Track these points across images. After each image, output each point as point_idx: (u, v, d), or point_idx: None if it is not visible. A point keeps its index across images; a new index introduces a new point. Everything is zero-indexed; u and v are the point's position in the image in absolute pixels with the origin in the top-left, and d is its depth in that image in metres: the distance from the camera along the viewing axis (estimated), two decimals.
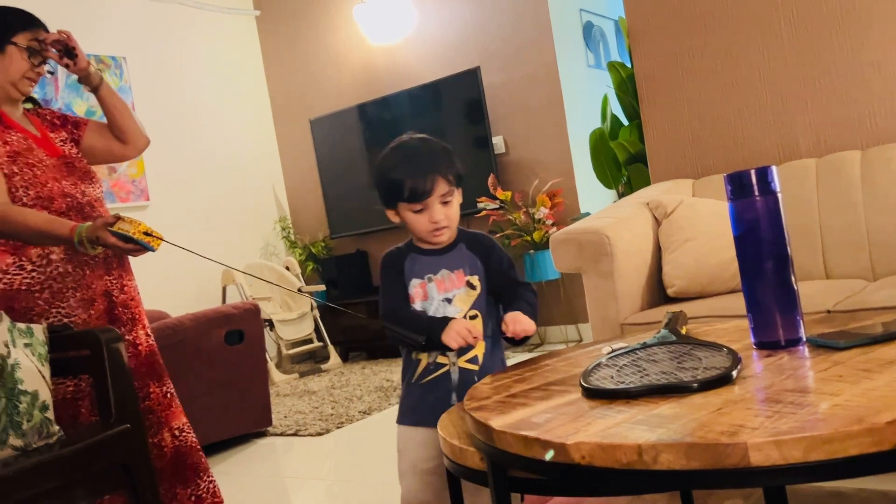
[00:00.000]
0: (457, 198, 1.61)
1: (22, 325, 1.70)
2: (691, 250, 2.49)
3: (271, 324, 5.07)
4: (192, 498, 2.05)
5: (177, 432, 2.06)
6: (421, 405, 1.59)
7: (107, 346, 1.73)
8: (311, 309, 5.25)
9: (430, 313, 1.58)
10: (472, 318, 1.59)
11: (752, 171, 1.24)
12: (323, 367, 5.12)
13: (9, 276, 1.89)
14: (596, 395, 1.13)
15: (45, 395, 1.67)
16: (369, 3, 5.27)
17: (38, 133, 2.06)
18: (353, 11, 5.35)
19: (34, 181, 1.93)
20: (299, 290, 5.22)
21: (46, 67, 2.07)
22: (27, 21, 2.03)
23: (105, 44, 4.86)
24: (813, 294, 2.19)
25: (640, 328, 2.29)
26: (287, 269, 5.42)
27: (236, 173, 5.63)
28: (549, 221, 4.50)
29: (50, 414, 1.68)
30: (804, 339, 1.25)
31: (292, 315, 5.18)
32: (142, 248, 1.83)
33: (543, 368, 1.42)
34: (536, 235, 4.50)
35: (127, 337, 2.00)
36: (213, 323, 3.30)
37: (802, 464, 0.83)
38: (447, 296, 1.59)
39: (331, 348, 5.24)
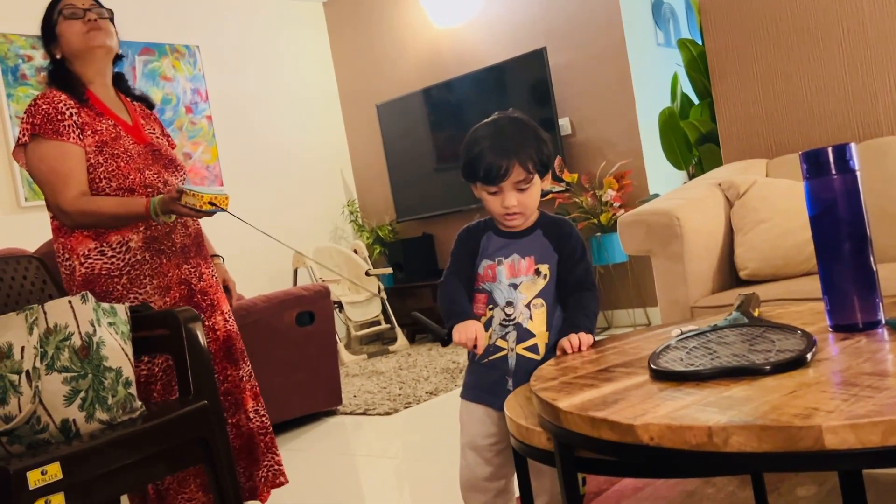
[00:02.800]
0: (536, 185, 1.58)
1: (106, 305, 1.78)
2: (765, 232, 2.42)
3: (340, 305, 5.16)
4: (261, 478, 2.11)
5: (252, 414, 2.12)
6: (480, 383, 1.61)
7: (185, 326, 1.80)
8: (379, 291, 5.32)
9: (496, 296, 1.58)
10: (536, 306, 1.57)
11: (830, 149, 1.21)
12: (390, 348, 5.19)
13: (90, 261, 1.97)
14: (664, 377, 1.12)
15: (128, 372, 1.75)
16: None
17: (129, 119, 2.11)
18: None
19: (117, 172, 1.98)
20: (367, 272, 5.29)
21: (116, 49, 2.10)
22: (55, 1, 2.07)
23: (180, 33, 4.99)
24: (892, 276, 2.12)
25: (711, 311, 2.25)
26: (355, 252, 5.49)
27: (306, 158, 5.73)
28: (617, 204, 4.44)
29: (133, 390, 1.75)
30: (883, 321, 1.21)
31: (360, 297, 5.26)
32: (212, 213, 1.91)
33: (610, 351, 1.41)
34: (604, 218, 4.44)
35: (207, 322, 2.06)
36: (285, 304, 3.38)
37: (881, 448, 0.81)
38: (514, 281, 1.58)
39: (398, 330, 5.31)
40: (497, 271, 1.59)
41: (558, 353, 1.48)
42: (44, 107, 1.96)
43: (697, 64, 4.34)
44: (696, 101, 4.56)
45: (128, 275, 1.99)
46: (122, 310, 1.83)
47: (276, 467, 2.16)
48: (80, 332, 1.67)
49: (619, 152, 4.63)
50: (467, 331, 1.50)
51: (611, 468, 1.11)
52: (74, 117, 1.97)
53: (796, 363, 1.06)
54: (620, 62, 4.58)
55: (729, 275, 2.52)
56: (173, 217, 1.97)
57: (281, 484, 2.17)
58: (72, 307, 1.68)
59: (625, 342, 1.48)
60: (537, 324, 1.57)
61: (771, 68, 2.97)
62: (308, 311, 3.46)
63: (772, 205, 2.47)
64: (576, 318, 1.54)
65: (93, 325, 1.70)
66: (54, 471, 1.45)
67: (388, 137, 5.64)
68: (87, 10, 2.04)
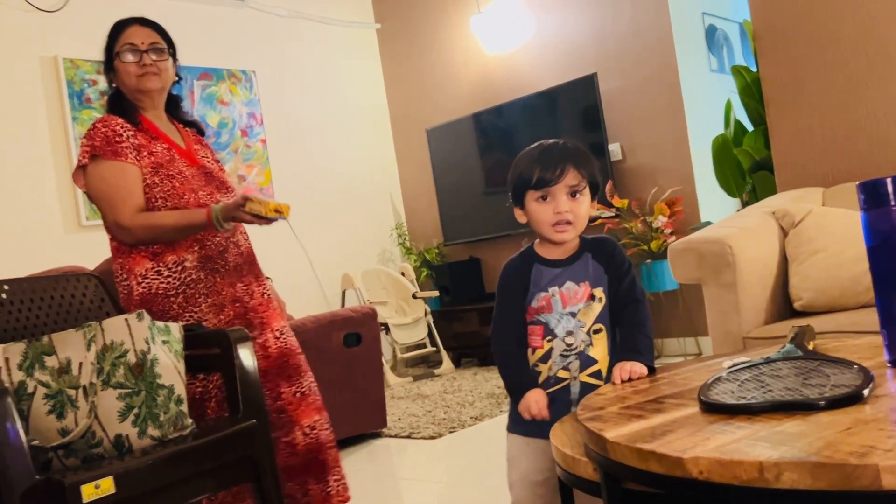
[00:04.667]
0: (587, 198, 1.55)
1: (160, 324, 1.82)
2: (821, 262, 2.37)
3: (387, 328, 5.18)
4: (322, 493, 2.10)
5: (308, 430, 2.10)
6: (536, 420, 1.52)
7: (235, 345, 1.83)
8: (425, 314, 5.33)
9: (553, 327, 1.54)
10: (597, 332, 1.54)
11: (889, 180, 1.18)
12: (436, 371, 5.19)
13: (147, 281, 2.01)
14: (715, 409, 1.10)
15: (180, 390, 1.78)
16: (486, 13, 5.32)
17: (182, 143, 2.18)
18: (471, 22, 5.41)
19: (172, 192, 2.04)
20: (414, 295, 5.31)
21: (171, 69, 2.15)
22: (118, 28, 2.13)
23: (237, 58, 5.13)
24: None
25: (764, 343, 2.20)
26: (402, 274, 5.52)
27: (356, 181, 5.80)
28: (668, 230, 4.39)
29: (184, 407, 1.79)
30: None
31: (407, 320, 5.28)
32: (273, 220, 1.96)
33: (660, 381, 1.40)
34: (654, 245, 4.39)
35: (257, 340, 2.07)
36: (333, 325, 3.41)
37: None
38: (571, 310, 1.55)
39: (443, 353, 5.31)
40: (552, 302, 1.56)
41: (612, 376, 1.46)
42: (102, 130, 2.04)
43: (751, 90, 4.28)
44: (749, 128, 4.50)
45: (183, 294, 2.03)
46: (175, 328, 1.87)
47: (343, 481, 2.15)
48: (135, 350, 1.71)
49: (670, 178, 4.58)
50: (538, 404, 1.48)
51: (658, 502, 1.09)
52: (131, 139, 2.04)
53: (852, 399, 1.03)
54: (673, 88, 4.55)
55: (783, 305, 2.47)
56: (232, 225, 2.01)
57: (347, 499, 2.15)
58: (128, 325, 1.73)
59: (675, 372, 1.46)
60: (599, 349, 1.54)
61: (828, 95, 2.92)
62: (355, 333, 3.49)
63: (828, 234, 2.41)
64: (634, 340, 1.50)
65: (147, 342, 1.75)
66: (107, 485, 1.48)
67: (438, 161, 5.69)
68: (144, 53, 2.08)
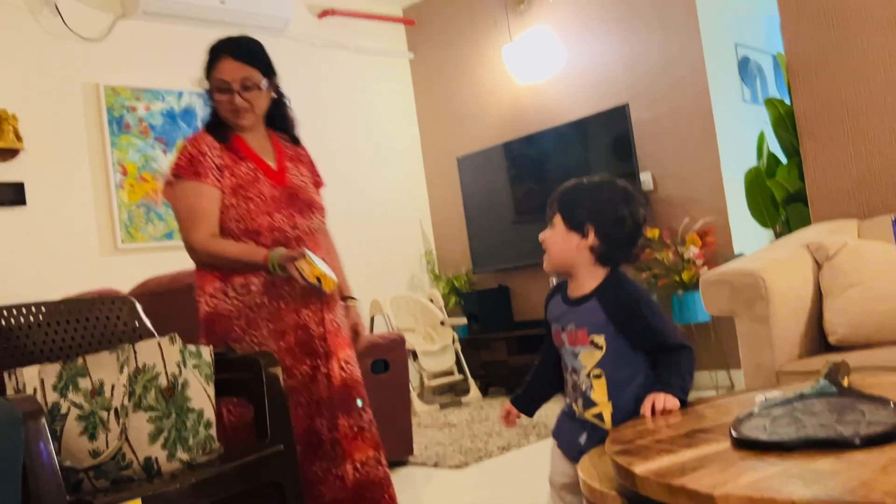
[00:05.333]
0: (558, 228, 1.64)
1: (192, 347, 1.84)
2: (856, 296, 2.33)
3: (415, 354, 5.18)
4: None
5: (359, 465, 2.05)
6: (561, 426, 1.71)
7: (265, 371, 1.84)
8: (453, 342, 5.32)
9: (565, 360, 1.66)
10: (597, 376, 1.57)
11: None
12: (463, 399, 5.17)
13: (215, 301, 2.03)
14: (747, 445, 1.08)
15: (210, 414, 1.80)
16: (518, 43, 5.36)
17: (273, 162, 2.16)
18: (502, 52, 5.45)
19: (246, 214, 2.05)
20: (442, 322, 5.31)
21: (265, 98, 2.13)
22: (213, 56, 2.12)
23: None
24: None
25: (797, 377, 2.17)
26: (431, 301, 5.53)
27: (387, 208, 5.84)
28: (700, 261, 4.35)
29: (213, 431, 1.80)
30: None
31: (435, 347, 5.28)
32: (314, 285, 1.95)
33: (690, 415, 1.38)
34: (686, 276, 4.35)
35: (321, 370, 2.04)
36: (361, 352, 3.41)
37: None
38: (575, 350, 1.61)
39: (471, 381, 5.28)
40: (563, 337, 1.64)
41: (641, 413, 1.46)
42: (189, 149, 2.08)
43: (785, 122, 4.25)
44: (783, 159, 4.46)
45: (246, 317, 2.02)
46: (206, 352, 1.89)
47: None
48: (166, 373, 1.74)
49: (702, 209, 4.55)
50: (506, 415, 1.75)
51: None
52: (216, 160, 2.07)
53: (888, 437, 1.01)
54: (705, 119, 4.54)
55: (817, 340, 2.43)
56: (287, 272, 1.97)
57: None
58: (160, 348, 1.75)
59: (706, 406, 1.44)
60: (598, 393, 1.56)
61: (862, 127, 2.89)
62: (383, 360, 3.49)
63: (864, 268, 2.38)
64: (666, 375, 1.53)
65: (179, 366, 1.77)
66: None
67: (468, 189, 5.71)
68: (235, 92, 2.07)
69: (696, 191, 4.61)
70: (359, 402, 2.10)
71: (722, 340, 4.39)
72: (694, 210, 4.58)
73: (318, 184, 2.29)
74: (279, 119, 2.25)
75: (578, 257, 1.60)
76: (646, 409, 1.44)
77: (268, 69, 2.17)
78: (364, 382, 2.18)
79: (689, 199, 4.63)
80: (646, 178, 4.77)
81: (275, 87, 2.21)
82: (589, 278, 1.61)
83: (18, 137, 4.08)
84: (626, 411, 1.52)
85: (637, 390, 1.55)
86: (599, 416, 1.56)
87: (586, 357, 1.58)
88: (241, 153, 2.12)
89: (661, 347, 1.55)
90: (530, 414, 1.76)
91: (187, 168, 2.06)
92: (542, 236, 1.66)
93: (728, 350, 4.35)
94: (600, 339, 1.56)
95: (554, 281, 1.78)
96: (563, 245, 1.61)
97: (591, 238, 1.59)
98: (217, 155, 2.08)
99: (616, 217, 1.60)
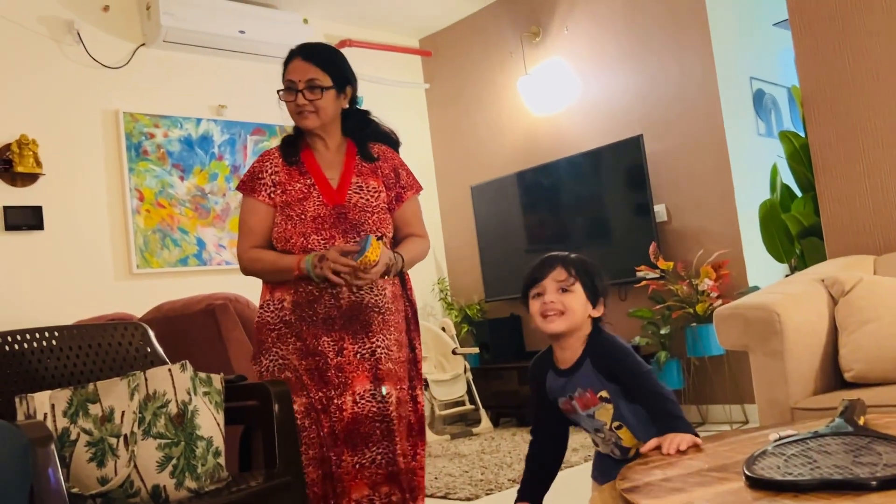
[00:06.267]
0: (579, 294, 1.67)
1: (203, 375, 1.84)
2: (872, 332, 2.30)
3: (426, 383, 5.16)
4: None
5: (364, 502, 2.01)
6: (602, 468, 1.76)
7: (276, 399, 1.84)
8: (465, 371, 5.30)
9: (584, 425, 1.73)
10: (618, 428, 1.66)
11: None
12: (474, 430, 5.13)
13: (262, 311, 2.12)
14: (760, 485, 1.07)
15: (219, 442, 1.79)
16: (533, 74, 5.40)
17: (336, 178, 2.13)
18: (517, 84, 5.49)
19: (282, 234, 2.09)
20: (454, 351, 5.29)
21: (332, 104, 2.12)
22: (285, 63, 2.15)
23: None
24: None
25: (812, 414, 2.14)
26: (443, 329, 5.51)
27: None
28: (714, 294, 4.32)
29: (221, 460, 1.79)
30: None
31: (446, 376, 5.25)
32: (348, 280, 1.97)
33: (703, 452, 1.36)
34: (700, 308, 4.32)
35: (335, 401, 2.01)
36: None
37: None
38: (589, 412, 1.68)
39: (482, 412, 5.25)
40: (573, 405, 1.70)
41: (648, 449, 1.47)
42: (253, 165, 2.18)
43: (800, 156, 4.24)
44: (798, 193, 4.45)
45: (278, 331, 2.08)
46: (217, 379, 1.89)
47: None
48: (176, 400, 1.73)
49: (716, 241, 4.53)
50: None
51: None
52: (274, 176, 2.13)
53: None
54: (719, 151, 4.54)
55: (833, 376, 2.40)
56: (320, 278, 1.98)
57: None
58: (171, 375, 1.75)
59: (718, 444, 1.42)
60: (628, 440, 1.67)
61: (878, 162, 2.88)
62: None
63: (880, 304, 2.35)
64: (667, 409, 1.57)
65: (189, 393, 1.77)
66: None
67: (481, 218, 5.72)
68: (299, 92, 2.09)
69: (710, 223, 4.60)
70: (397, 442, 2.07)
71: (736, 374, 4.35)
72: (708, 242, 4.56)
73: (400, 197, 2.23)
74: (361, 131, 2.23)
75: (584, 325, 1.69)
76: (671, 450, 1.40)
77: (339, 74, 2.15)
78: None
79: (704, 231, 4.62)
80: (660, 209, 4.76)
81: (350, 95, 2.20)
82: (579, 343, 1.69)
83: (38, 162, 4.14)
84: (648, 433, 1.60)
85: (647, 423, 1.63)
86: (636, 456, 1.61)
87: (602, 414, 1.67)
88: (305, 168, 2.14)
89: (650, 394, 1.62)
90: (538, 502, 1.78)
91: (247, 183, 2.16)
92: (556, 298, 1.66)
93: (742, 384, 4.30)
94: (606, 393, 1.66)
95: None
96: (582, 312, 1.67)
97: (601, 310, 1.70)
98: (276, 171, 2.14)
99: (601, 277, 1.72)
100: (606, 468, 1.73)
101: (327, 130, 2.17)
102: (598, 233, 5.05)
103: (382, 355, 2.07)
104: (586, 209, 5.10)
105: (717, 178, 4.55)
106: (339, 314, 2.05)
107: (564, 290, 1.65)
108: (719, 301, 4.21)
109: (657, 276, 4.46)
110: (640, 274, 4.51)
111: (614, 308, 4.87)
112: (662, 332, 4.46)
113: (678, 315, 4.40)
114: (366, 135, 2.24)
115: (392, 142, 2.30)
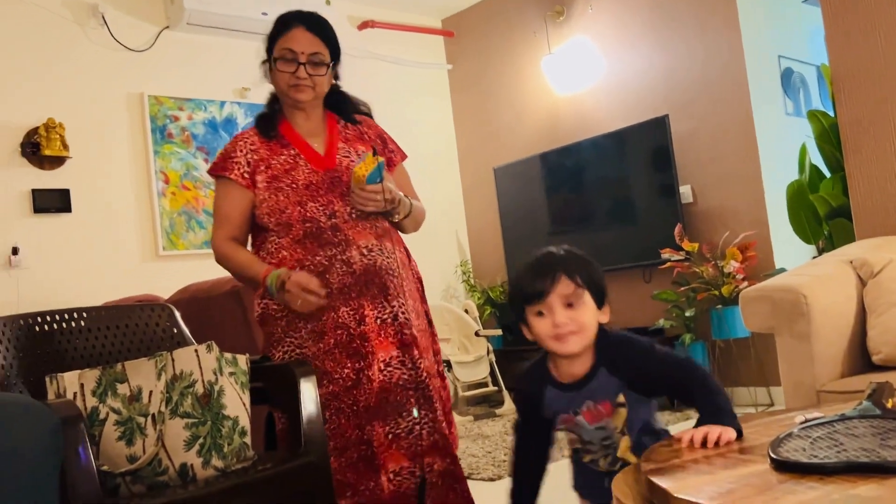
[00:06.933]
0: (589, 305, 1.45)
1: (228, 355, 1.86)
2: None
3: (449, 365, 5.17)
4: None
5: (392, 475, 1.92)
6: (584, 480, 1.62)
7: (300, 380, 1.85)
8: (488, 353, 5.31)
9: (586, 438, 1.53)
10: (623, 433, 1.51)
11: None
12: (497, 411, 5.14)
13: (264, 301, 2.00)
14: (786, 467, 1.06)
15: (245, 422, 1.81)
16: (557, 54, 5.35)
17: (321, 145, 2.06)
18: (541, 63, 5.44)
19: (276, 207, 1.97)
20: (476, 333, 5.30)
21: (328, 80, 2.05)
22: (282, 25, 2.02)
23: None
24: None
25: (839, 397, 2.12)
26: (466, 311, 5.52)
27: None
28: (740, 276, 4.28)
29: (247, 439, 1.81)
30: None
31: (469, 358, 5.26)
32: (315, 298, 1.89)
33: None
34: (725, 290, 4.29)
35: (366, 372, 1.93)
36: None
37: None
38: (600, 425, 1.50)
39: (505, 393, 5.26)
40: (577, 420, 1.51)
41: (689, 442, 1.31)
42: (226, 146, 2.08)
43: (829, 136, 4.18)
44: (826, 173, 4.38)
45: (286, 317, 1.97)
46: (242, 360, 1.91)
47: None
48: (203, 380, 1.75)
49: (743, 223, 4.48)
50: None
51: None
52: (249, 155, 2.02)
53: None
54: (747, 131, 4.47)
55: (860, 358, 2.37)
56: (283, 298, 1.90)
57: None
58: (197, 356, 1.77)
59: (744, 425, 1.41)
60: (623, 447, 1.51)
61: None
62: None
63: None
64: (716, 404, 1.36)
65: (215, 373, 1.78)
66: None
67: (504, 200, 5.70)
68: (301, 65, 1.99)
69: (736, 204, 4.54)
70: (414, 413, 1.96)
71: (762, 356, 4.32)
72: (734, 224, 4.51)
73: (391, 161, 2.15)
74: (338, 101, 2.16)
75: (594, 323, 1.48)
76: (709, 441, 1.28)
77: (336, 51, 2.09)
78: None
79: (730, 212, 4.57)
80: (685, 190, 4.72)
81: (336, 72, 2.14)
82: (587, 354, 1.48)
83: (65, 145, 4.18)
84: (638, 444, 1.49)
85: (643, 420, 1.52)
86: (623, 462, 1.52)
87: (617, 420, 1.49)
88: (286, 140, 2.04)
89: (685, 379, 1.45)
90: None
91: (219, 164, 2.05)
92: (567, 317, 1.43)
93: (767, 367, 4.27)
94: (622, 398, 1.48)
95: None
96: (594, 324, 1.47)
97: (608, 314, 1.50)
98: (252, 150, 2.03)
99: (601, 275, 1.50)
100: (591, 480, 1.57)
101: (311, 103, 2.08)
102: (623, 214, 5.01)
103: (405, 320, 2.00)
104: (610, 190, 5.06)
105: (744, 158, 4.49)
106: (353, 280, 1.96)
107: (572, 305, 1.43)
108: (745, 283, 4.17)
109: (682, 258, 4.42)
110: (664, 256, 4.47)
111: (638, 290, 4.86)
112: (687, 314, 4.43)
113: (703, 297, 4.37)
114: (345, 105, 2.17)
115: (367, 114, 2.24)
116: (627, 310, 4.95)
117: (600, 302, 1.47)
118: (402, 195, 2.09)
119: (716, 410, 1.34)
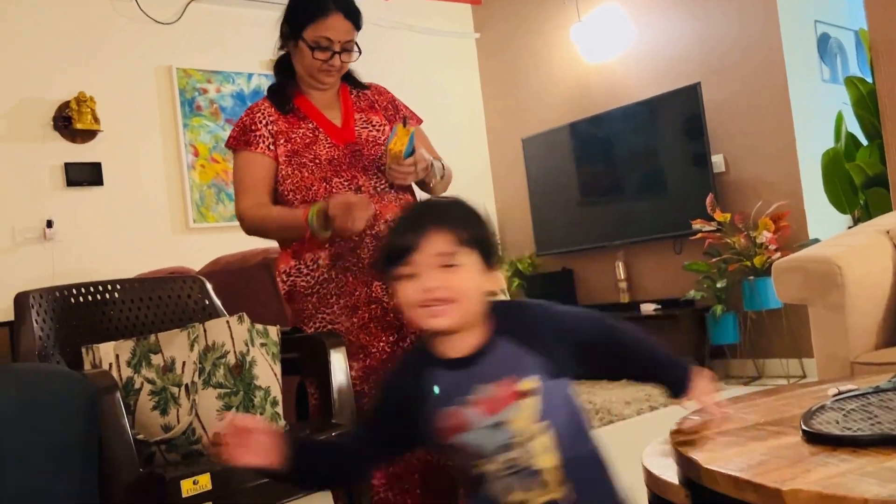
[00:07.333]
0: (470, 269, 1.12)
1: (259, 326, 1.88)
2: None
3: None
4: None
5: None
6: None
7: (331, 351, 1.86)
8: None
9: (482, 446, 1.11)
10: (541, 432, 1.11)
11: None
12: None
13: (291, 279, 1.95)
14: (818, 440, 1.05)
15: (276, 392, 1.84)
16: (586, 22, 5.27)
17: (338, 117, 2.03)
18: (570, 31, 5.37)
19: (301, 184, 1.94)
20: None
21: (352, 56, 2.02)
22: (316, 12, 1.96)
23: None
24: None
25: (873, 369, 2.09)
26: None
27: (450, 189, 5.83)
28: (773, 246, 4.22)
29: (279, 409, 1.84)
30: None
31: None
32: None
33: (759, 406, 1.34)
34: (757, 261, 4.23)
35: (400, 344, 1.92)
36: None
37: None
38: (499, 419, 1.10)
39: None
40: (471, 414, 1.11)
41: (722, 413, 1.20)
42: (243, 119, 2.02)
43: (866, 103, 4.08)
44: (863, 141, 4.28)
45: (317, 294, 1.93)
46: (273, 331, 1.93)
47: None
48: (235, 351, 1.78)
49: (776, 192, 4.40)
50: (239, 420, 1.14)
51: None
52: (269, 126, 1.98)
53: None
54: (781, 99, 4.38)
55: (895, 330, 2.33)
56: (328, 232, 1.83)
57: None
58: (229, 327, 1.80)
59: (775, 398, 1.40)
60: (545, 456, 1.10)
61: None
62: None
63: None
64: (662, 352, 1.19)
65: (247, 344, 1.81)
66: (205, 482, 1.54)
67: (532, 171, 5.66)
68: (336, 53, 1.97)
69: (770, 173, 4.47)
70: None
71: (794, 328, 4.27)
72: (767, 193, 4.44)
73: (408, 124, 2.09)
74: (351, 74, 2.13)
75: (481, 303, 1.14)
76: (714, 410, 1.21)
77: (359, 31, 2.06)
78: None
79: (763, 182, 4.49)
80: (717, 159, 4.65)
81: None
82: (478, 323, 1.14)
83: (96, 119, 4.22)
84: (592, 464, 1.15)
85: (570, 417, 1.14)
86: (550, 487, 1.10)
87: (520, 417, 1.10)
88: (303, 113, 2.01)
89: (610, 331, 1.20)
90: (287, 464, 1.11)
91: (239, 138, 2.00)
92: (440, 281, 1.10)
93: (800, 338, 4.22)
94: (530, 383, 1.10)
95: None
96: (476, 291, 1.13)
97: (497, 279, 1.18)
98: (271, 122, 1.99)
99: (493, 234, 1.21)
100: None
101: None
102: (653, 185, 4.95)
103: None
104: (641, 160, 5.00)
105: (778, 126, 4.40)
106: None
107: (449, 267, 1.10)
108: (778, 254, 4.11)
109: (714, 228, 4.37)
110: (696, 227, 4.42)
111: (669, 262, 4.82)
112: (718, 285, 4.39)
113: (735, 268, 4.32)
114: (350, 72, 2.13)
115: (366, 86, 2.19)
116: (658, 281, 4.91)
117: (488, 265, 1.15)
118: (432, 159, 2.07)
119: (670, 360, 1.20)
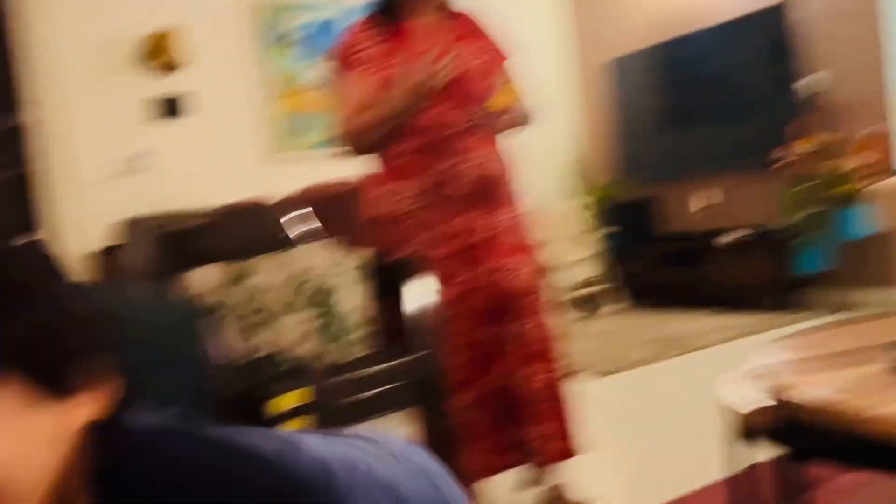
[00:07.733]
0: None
1: (345, 252, 1.93)
2: None
3: (553, 267, 5.18)
4: (531, 446, 1.96)
5: (509, 377, 1.95)
6: None
7: (414, 276, 1.90)
8: (596, 253, 5.28)
9: None
10: None
11: None
12: (603, 310, 5.15)
13: (377, 206, 1.97)
14: None
15: (360, 316, 1.90)
16: None
17: (435, 48, 1.97)
18: None
19: None
20: (584, 232, 5.26)
21: None
22: None
23: None
24: None
25: None
26: (576, 210, 5.47)
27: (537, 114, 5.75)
28: (866, 172, 4.03)
29: (363, 333, 1.90)
30: None
31: (576, 257, 5.26)
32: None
33: (847, 332, 1.32)
34: (849, 188, 4.06)
35: (482, 280, 1.94)
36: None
37: None
38: None
39: (611, 293, 5.25)
40: None
41: None
42: (342, 42, 2.01)
43: None
44: None
45: (402, 224, 1.95)
46: (358, 257, 1.98)
47: (552, 435, 1.97)
48: (320, 276, 1.84)
49: (870, 116, 4.18)
50: None
51: (839, 457, 1.05)
52: (370, 49, 1.96)
53: None
54: (873, 17, 4.11)
55: None
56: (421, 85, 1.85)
57: (557, 457, 1.97)
58: (316, 254, 1.86)
59: (864, 325, 1.37)
60: None
61: None
62: None
63: None
64: None
65: (333, 269, 1.87)
66: (293, 399, 1.63)
67: (619, 95, 5.51)
68: None
69: (862, 96, 4.23)
70: (522, 320, 1.98)
71: (888, 256, 4.10)
72: (860, 118, 4.21)
73: (498, 58, 2.09)
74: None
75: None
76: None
77: None
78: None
79: (855, 105, 4.26)
80: (808, 82, 4.42)
81: None
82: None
83: (180, 52, 4.31)
84: None
85: None
86: None
87: None
88: (402, 40, 1.99)
89: None
90: None
91: (339, 61, 1.98)
92: None
93: (891, 267, 4.06)
94: None
95: None
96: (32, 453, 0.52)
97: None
98: (375, 43, 1.97)
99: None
100: None
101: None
102: (739, 109, 4.76)
103: (512, 226, 2.02)
104: (726, 84, 4.81)
105: (872, 48, 4.15)
106: (467, 192, 1.96)
107: None
108: (869, 180, 3.93)
109: (804, 153, 4.19)
110: (784, 152, 4.25)
111: (757, 189, 4.67)
112: (809, 212, 4.23)
113: (825, 195, 4.15)
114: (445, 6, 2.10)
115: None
116: (745, 209, 4.78)
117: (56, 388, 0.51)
118: (521, 105, 2.08)
119: None
